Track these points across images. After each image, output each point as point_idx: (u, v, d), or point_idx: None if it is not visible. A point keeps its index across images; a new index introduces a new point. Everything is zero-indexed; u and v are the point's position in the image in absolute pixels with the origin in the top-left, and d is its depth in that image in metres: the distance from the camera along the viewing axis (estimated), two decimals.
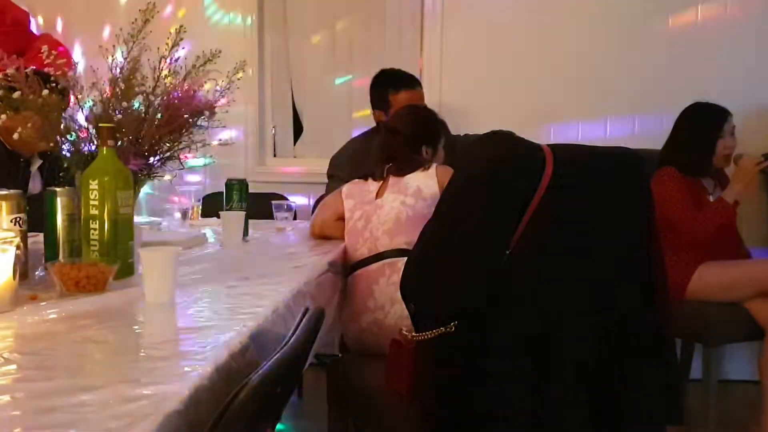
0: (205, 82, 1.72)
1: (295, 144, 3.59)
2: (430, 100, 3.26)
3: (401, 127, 2.13)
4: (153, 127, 1.60)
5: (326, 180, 2.76)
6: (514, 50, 3.26)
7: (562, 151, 1.51)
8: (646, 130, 3.13)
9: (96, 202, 1.41)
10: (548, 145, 1.45)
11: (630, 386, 1.48)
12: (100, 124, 1.48)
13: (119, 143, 1.54)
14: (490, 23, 3.26)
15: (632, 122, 3.19)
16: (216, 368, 0.93)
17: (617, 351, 1.49)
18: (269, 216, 2.45)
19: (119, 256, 1.42)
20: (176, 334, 1.15)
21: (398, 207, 2.00)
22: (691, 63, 3.14)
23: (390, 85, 2.71)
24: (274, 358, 0.91)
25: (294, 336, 0.98)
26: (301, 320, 1.07)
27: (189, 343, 1.06)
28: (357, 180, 2.15)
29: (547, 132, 3.22)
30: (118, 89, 1.59)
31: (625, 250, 1.50)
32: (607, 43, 3.20)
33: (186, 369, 0.91)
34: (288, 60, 3.50)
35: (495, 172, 1.42)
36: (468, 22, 3.27)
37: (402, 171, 2.05)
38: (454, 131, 2.92)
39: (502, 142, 1.46)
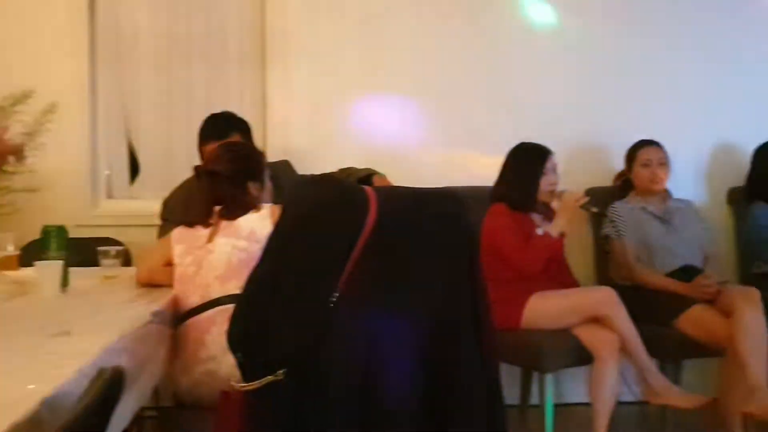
0: (10, 125, 1.59)
1: (132, 184, 3.42)
2: (274, 141, 3.24)
3: (220, 168, 2.06)
4: None
5: None
6: (361, 88, 3.30)
7: (385, 193, 1.54)
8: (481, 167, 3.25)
9: None
10: (371, 188, 1.47)
11: (456, 417, 1.50)
12: None
13: None
14: (334, 61, 3.28)
15: (473, 157, 3.31)
16: None
17: (445, 385, 1.52)
18: None
19: None
20: None
21: (229, 251, 1.94)
22: (518, 106, 3.32)
23: (201, 136, 2.60)
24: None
25: (82, 405, 0.90)
26: (97, 383, 0.99)
27: None
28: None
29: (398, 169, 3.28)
30: None
31: (448, 286, 1.54)
32: (450, 82, 3.32)
33: None
34: (122, 98, 3.35)
35: (320, 214, 1.42)
36: (312, 61, 3.28)
37: (233, 214, 1.99)
38: (301, 171, 2.92)
39: (327, 184, 1.46)
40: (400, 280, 1.48)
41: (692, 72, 3.42)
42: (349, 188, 1.46)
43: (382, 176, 2.51)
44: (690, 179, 3.40)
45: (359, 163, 2.80)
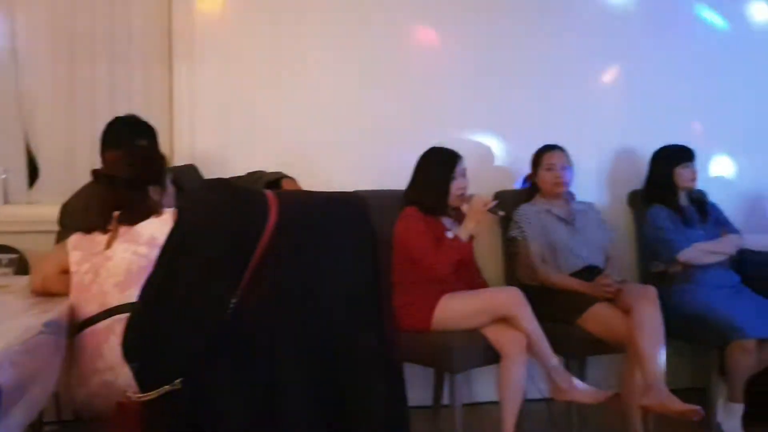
0: None
1: (31, 188, 3.26)
2: (181, 144, 3.16)
3: (120, 172, 2.00)
4: None
5: None
6: (272, 89, 3.25)
7: (287, 197, 1.53)
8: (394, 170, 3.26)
9: None
10: (272, 192, 1.45)
11: (357, 421, 1.51)
12: None
13: None
14: (244, 62, 3.22)
15: (386, 160, 3.31)
16: None
17: (345, 388, 1.52)
18: None
19: None
20: None
21: (129, 257, 1.88)
22: (431, 109, 3.37)
23: (103, 142, 2.49)
24: None
25: None
26: None
27: None
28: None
29: (311, 172, 3.25)
30: None
31: (352, 290, 1.54)
32: (361, 84, 3.32)
33: None
34: (19, 97, 3.19)
35: (216, 220, 1.39)
36: (221, 61, 3.22)
37: (133, 219, 1.93)
38: (210, 176, 2.85)
39: (223, 189, 1.44)
40: (302, 285, 1.48)
41: (595, 79, 3.55)
42: (247, 193, 1.44)
43: (292, 180, 2.49)
44: (593, 182, 3.53)
45: (271, 167, 2.77)
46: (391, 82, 3.35)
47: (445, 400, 3.02)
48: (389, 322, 1.63)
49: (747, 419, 3.07)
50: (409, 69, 3.37)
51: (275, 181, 2.44)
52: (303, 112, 3.27)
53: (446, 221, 2.92)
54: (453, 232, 2.84)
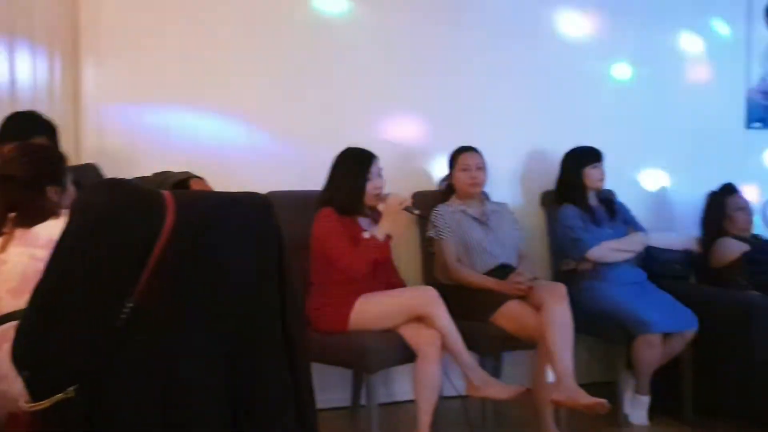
0: None
1: None
2: (88, 143, 3.05)
3: (15, 171, 1.91)
4: None
5: None
6: (184, 87, 3.17)
7: (185, 197, 1.49)
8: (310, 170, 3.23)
9: None
10: (171, 192, 1.42)
11: (262, 422, 1.49)
12: None
13: None
14: (155, 59, 3.12)
15: (303, 161, 3.28)
16: None
17: (250, 390, 1.49)
18: None
19: None
20: None
21: (26, 261, 1.80)
22: (347, 110, 3.36)
23: None
24: None
25: None
26: None
27: None
28: None
29: (224, 172, 3.18)
30: None
31: (255, 291, 1.52)
32: (276, 84, 3.27)
33: None
34: None
35: (108, 221, 1.34)
36: (131, 58, 3.11)
37: (29, 221, 1.85)
38: (117, 175, 2.75)
39: (117, 189, 1.38)
40: (202, 287, 1.44)
41: (509, 82, 3.61)
42: (143, 193, 1.39)
43: (200, 180, 2.44)
44: (506, 183, 3.60)
45: (182, 167, 2.70)
46: (306, 82, 3.32)
47: (364, 401, 3.03)
48: (296, 321, 1.61)
49: (653, 411, 3.21)
50: (325, 69, 3.35)
51: (183, 181, 2.38)
52: (217, 111, 3.21)
53: (363, 221, 2.92)
54: (370, 232, 2.84)
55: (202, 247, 1.43)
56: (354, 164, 2.88)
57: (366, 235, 2.82)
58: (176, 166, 2.69)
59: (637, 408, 3.21)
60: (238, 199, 1.54)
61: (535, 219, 3.61)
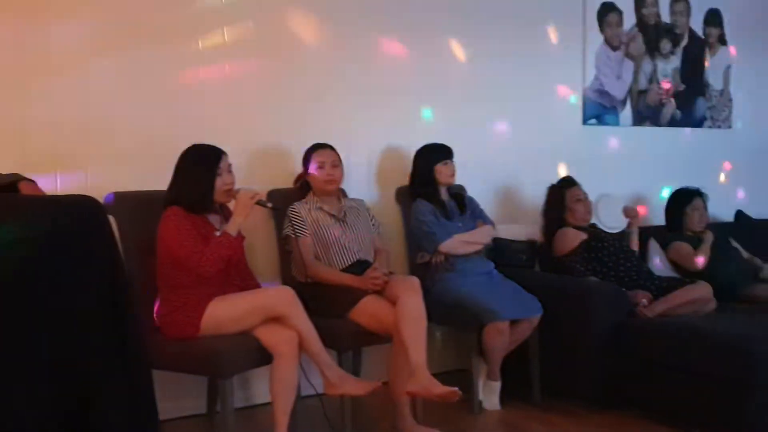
0: None
1: None
2: None
3: None
4: None
5: None
6: (16, 84, 2.91)
7: (4, 201, 1.37)
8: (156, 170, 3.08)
9: None
10: None
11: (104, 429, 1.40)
12: None
13: None
14: None
15: (148, 160, 3.12)
16: None
17: (89, 398, 1.40)
18: None
19: None
20: None
21: None
22: (189, 110, 3.23)
23: None
24: None
25: None
26: None
27: None
28: None
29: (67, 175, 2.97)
30: None
31: (88, 300, 1.42)
32: (116, 74, 3.10)
33: None
34: None
35: None
36: None
37: None
38: None
39: None
40: (27, 295, 1.33)
41: (363, 79, 3.64)
42: None
43: (31, 183, 2.24)
44: (363, 179, 3.63)
45: (17, 168, 2.47)
46: (152, 77, 3.16)
47: (220, 407, 2.93)
48: (134, 327, 1.53)
49: (504, 395, 3.36)
50: (172, 64, 3.21)
51: (10, 184, 2.18)
52: (51, 109, 2.97)
53: (213, 219, 2.83)
54: (221, 229, 2.76)
55: (25, 254, 1.32)
56: (201, 160, 2.77)
57: (217, 233, 2.74)
58: (11, 168, 2.47)
59: (489, 393, 3.35)
60: (65, 203, 1.44)
61: (390, 214, 3.66)
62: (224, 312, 2.67)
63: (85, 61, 3.04)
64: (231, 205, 2.86)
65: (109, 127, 3.08)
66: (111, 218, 2.66)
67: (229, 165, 2.82)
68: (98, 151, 3.07)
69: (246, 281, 2.90)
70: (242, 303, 2.72)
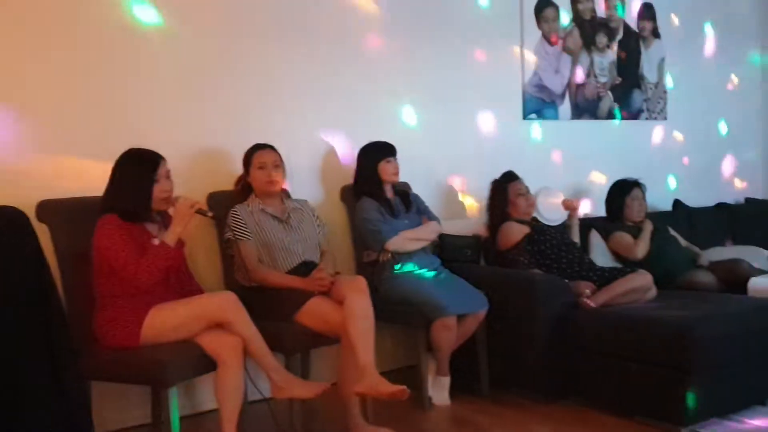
0: None
1: None
2: None
3: None
4: None
5: None
6: None
7: None
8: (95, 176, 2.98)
9: None
10: None
11: None
12: None
13: None
14: None
15: (86, 166, 3.02)
16: None
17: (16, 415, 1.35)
18: None
19: None
20: None
21: None
22: (132, 111, 3.14)
23: None
24: None
25: None
26: None
27: None
28: None
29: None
30: None
31: (12, 314, 1.36)
32: (51, 86, 2.96)
33: None
34: None
35: None
36: None
37: None
38: None
39: None
40: None
41: (300, 76, 3.59)
42: None
43: None
44: (306, 180, 3.59)
45: None
46: (88, 82, 3.04)
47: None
48: (63, 339, 1.48)
49: (453, 390, 3.38)
50: (106, 69, 3.10)
51: None
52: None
53: (151, 227, 2.75)
54: (159, 238, 2.68)
55: None
56: (138, 166, 2.69)
57: (155, 241, 2.66)
58: None
59: (439, 389, 3.36)
60: None
61: (336, 214, 3.63)
62: (164, 321, 2.61)
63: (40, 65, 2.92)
64: (171, 211, 2.78)
65: (45, 133, 2.97)
66: (44, 227, 2.64)
67: (168, 171, 2.74)
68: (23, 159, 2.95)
69: (187, 287, 2.83)
70: (183, 311, 2.65)
